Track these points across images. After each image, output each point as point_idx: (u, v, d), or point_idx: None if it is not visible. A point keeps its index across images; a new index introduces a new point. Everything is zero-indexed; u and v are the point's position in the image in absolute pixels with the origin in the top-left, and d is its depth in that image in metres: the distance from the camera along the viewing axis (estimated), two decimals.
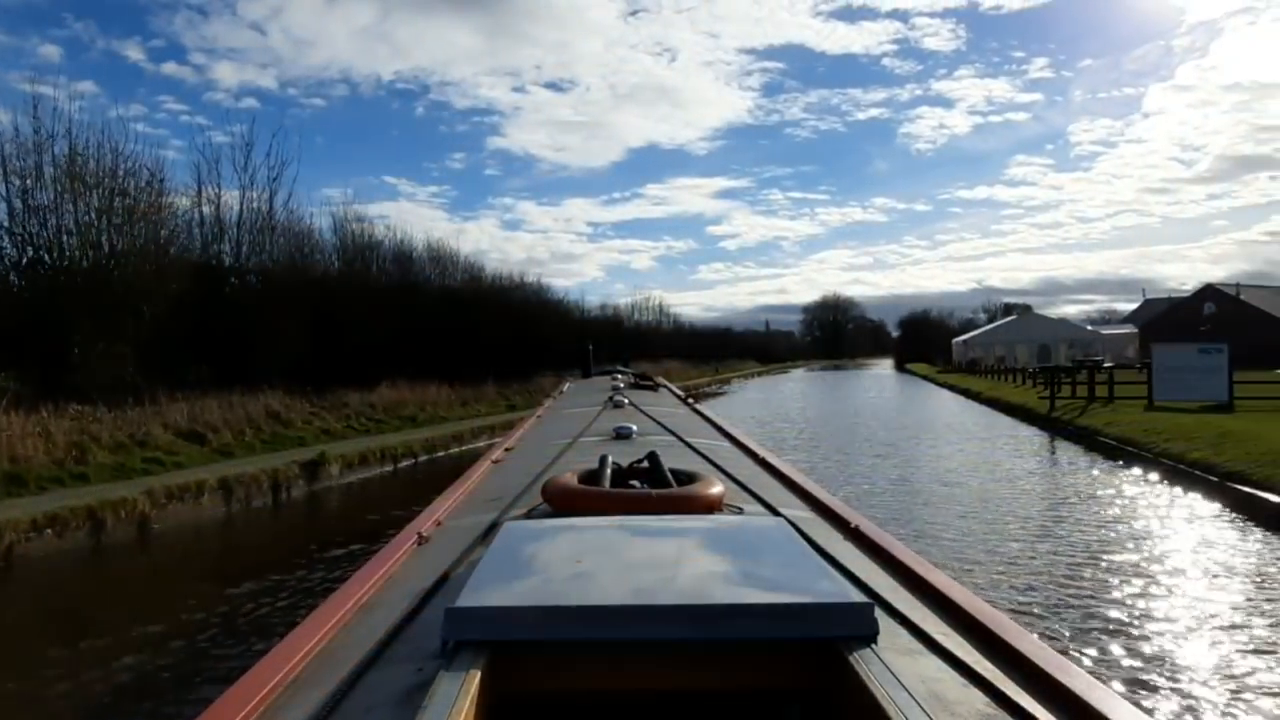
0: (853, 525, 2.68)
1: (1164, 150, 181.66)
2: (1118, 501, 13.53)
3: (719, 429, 5.74)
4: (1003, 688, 1.43)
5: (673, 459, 3.30)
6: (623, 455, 3.24)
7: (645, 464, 3.02)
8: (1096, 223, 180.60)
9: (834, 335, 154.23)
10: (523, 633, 1.50)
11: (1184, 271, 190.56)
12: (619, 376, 10.22)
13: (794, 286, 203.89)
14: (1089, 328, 79.10)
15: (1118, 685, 5.98)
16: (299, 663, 1.62)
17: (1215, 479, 13.79)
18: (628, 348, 45.45)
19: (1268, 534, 10.73)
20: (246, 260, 25.75)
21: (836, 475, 16.35)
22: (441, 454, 21.26)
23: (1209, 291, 65.83)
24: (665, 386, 10.01)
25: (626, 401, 6.70)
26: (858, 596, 1.64)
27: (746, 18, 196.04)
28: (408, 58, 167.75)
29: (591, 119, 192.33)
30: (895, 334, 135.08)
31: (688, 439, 4.51)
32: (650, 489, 2.70)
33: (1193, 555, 9.95)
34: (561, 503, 2.55)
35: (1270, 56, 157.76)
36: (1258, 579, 8.89)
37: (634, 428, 4.65)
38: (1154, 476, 15.46)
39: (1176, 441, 16.97)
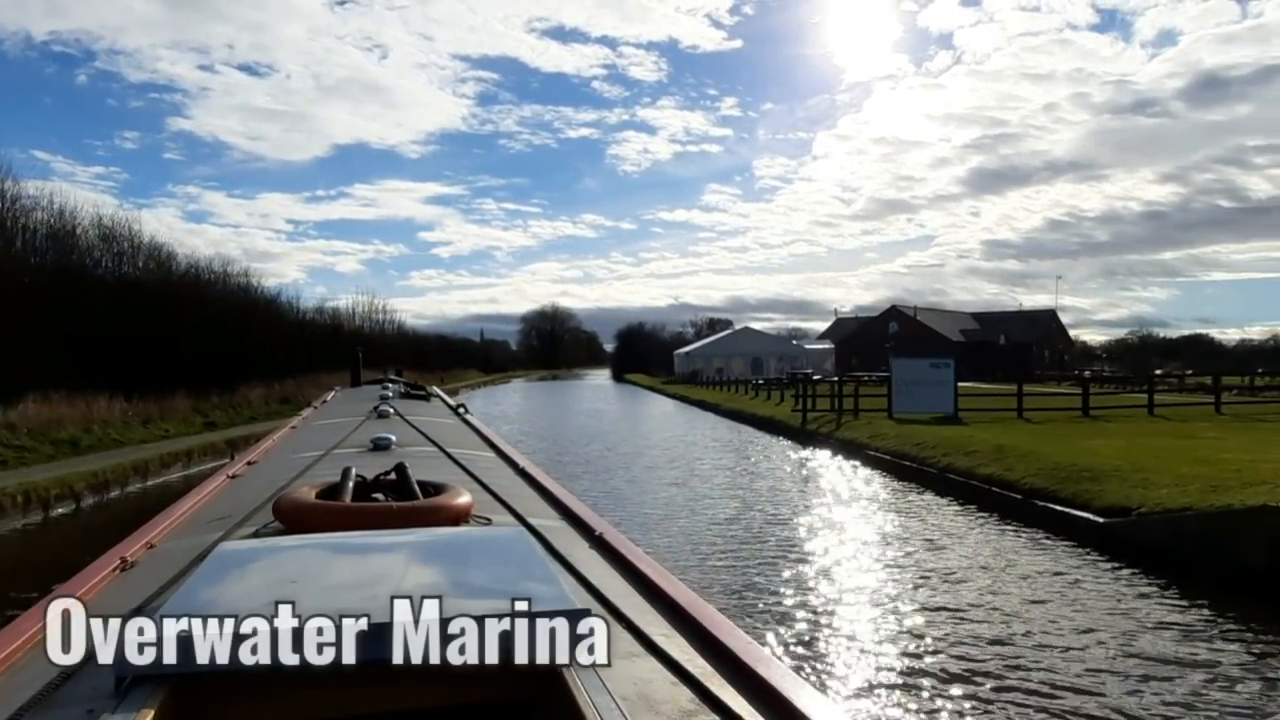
0: (597, 533, 2.69)
1: (829, 189, 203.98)
2: (945, 533, 12.83)
3: (485, 439, 5.60)
4: (709, 684, 1.50)
5: (429, 470, 3.29)
6: (376, 467, 2.98)
7: (393, 476, 2.86)
8: (777, 249, 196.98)
9: (551, 345, 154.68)
10: (210, 663, 1.35)
11: (842, 295, 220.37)
12: (390, 385, 9.63)
13: (504, 296, 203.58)
14: (794, 342, 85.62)
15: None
16: None
17: (1019, 496, 13.58)
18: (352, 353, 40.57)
19: (1124, 565, 10.28)
20: None
21: (652, 515, 14.34)
22: (117, 493, 16.17)
23: (893, 312, 74.00)
24: (438, 396, 9.74)
25: (392, 411, 6.38)
26: (579, 603, 1.60)
27: (461, 24, 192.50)
28: (67, 17, 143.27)
29: (293, 109, 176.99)
30: (608, 345, 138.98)
31: (450, 449, 4.42)
32: (394, 502, 2.57)
33: (1079, 609, 9.06)
34: (294, 520, 2.37)
35: (906, 118, 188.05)
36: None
37: (393, 438, 4.45)
38: (954, 496, 15.11)
39: (955, 456, 17.01)
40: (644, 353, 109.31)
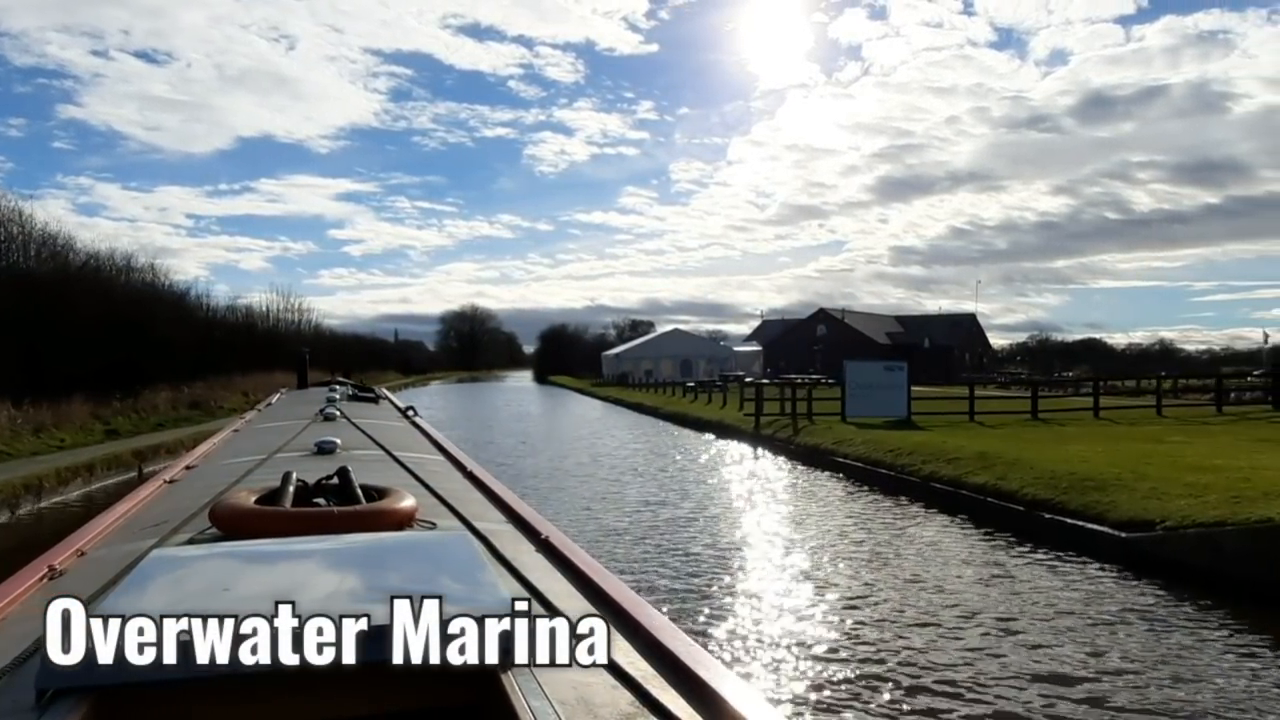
0: (543, 536, 2.64)
1: (744, 194, 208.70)
2: (986, 563, 11.97)
3: (433, 442, 5.52)
4: (649, 686, 1.48)
5: (374, 474, 3.22)
6: (319, 472, 2.90)
7: (335, 480, 2.79)
8: (693, 252, 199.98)
9: (471, 347, 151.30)
10: (138, 674, 1.29)
11: (755, 299, 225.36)
12: (337, 387, 9.56)
13: (417, 296, 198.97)
14: (722, 344, 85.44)
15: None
16: None
17: (1020, 509, 12.85)
18: (266, 354, 37.84)
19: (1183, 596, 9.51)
20: None
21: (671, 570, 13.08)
22: (6, 516, 13.96)
23: (821, 315, 74.54)
24: (387, 398, 9.61)
25: (339, 414, 6.33)
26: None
27: (373, 17, 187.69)
28: None
29: (194, 99, 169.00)
30: (527, 347, 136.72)
31: (396, 453, 4.33)
32: (335, 507, 2.51)
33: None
34: (231, 526, 2.33)
35: (818, 126, 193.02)
36: None
37: (338, 442, 4.32)
38: (947, 509, 14.27)
39: (936, 464, 16.28)
40: (567, 354, 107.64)
